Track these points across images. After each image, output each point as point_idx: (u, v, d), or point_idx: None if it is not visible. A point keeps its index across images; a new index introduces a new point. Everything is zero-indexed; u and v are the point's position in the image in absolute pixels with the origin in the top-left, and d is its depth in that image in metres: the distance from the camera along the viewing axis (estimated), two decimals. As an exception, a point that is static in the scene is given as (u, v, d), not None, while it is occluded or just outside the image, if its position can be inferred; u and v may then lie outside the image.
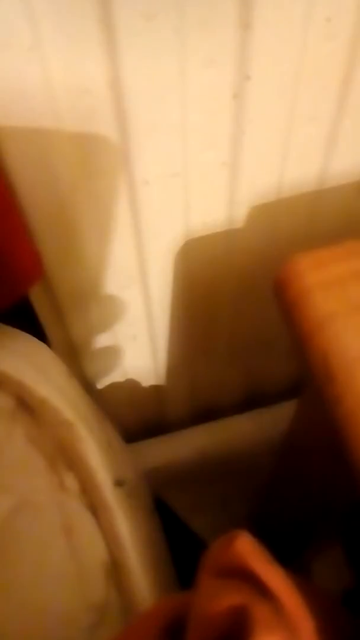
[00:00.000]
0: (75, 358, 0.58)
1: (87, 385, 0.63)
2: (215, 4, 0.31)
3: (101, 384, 0.64)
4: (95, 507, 0.38)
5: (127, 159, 0.38)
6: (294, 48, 0.35)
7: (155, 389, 0.68)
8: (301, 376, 0.36)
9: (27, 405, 0.40)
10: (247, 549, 0.25)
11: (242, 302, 0.57)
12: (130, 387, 0.66)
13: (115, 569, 0.36)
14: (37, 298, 0.48)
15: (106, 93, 0.34)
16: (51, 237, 0.43)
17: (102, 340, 0.56)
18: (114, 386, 0.64)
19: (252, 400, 0.77)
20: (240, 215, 0.46)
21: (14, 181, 0.37)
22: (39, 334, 0.50)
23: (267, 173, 0.43)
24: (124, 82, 0.34)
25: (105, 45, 0.31)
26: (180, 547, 0.50)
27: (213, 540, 0.27)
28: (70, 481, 0.38)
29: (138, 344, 0.58)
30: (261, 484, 0.58)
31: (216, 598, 0.24)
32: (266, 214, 0.47)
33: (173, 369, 0.65)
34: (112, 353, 0.59)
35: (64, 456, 0.39)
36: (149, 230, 0.45)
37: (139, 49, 0.32)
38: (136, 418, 0.73)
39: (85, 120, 0.35)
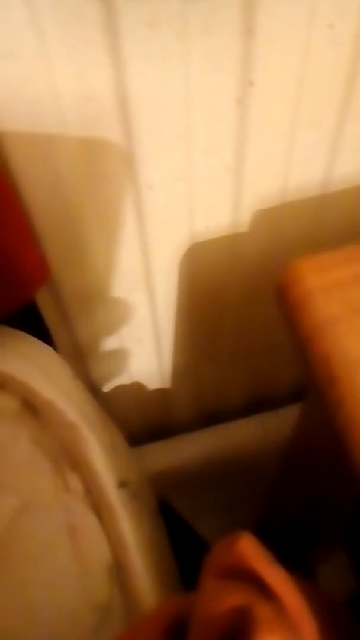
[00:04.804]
0: (81, 361, 0.58)
1: (93, 388, 0.63)
2: (218, 11, 0.31)
3: (107, 387, 0.64)
4: (99, 508, 0.38)
5: (132, 163, 0.39)
6: (297, 54, 0.35)
7: (161, 392, 0.68)
8: (305, 379, 0.36)
9: (32, 407, 0.41)
10: (250, 550, 0.25)
11: (246, 306, 0.57)
12: (136, 390, 0.66)
13: (118, 570, 0.36)
14: (44, 301, 0.48)
15: (111, 99, 0.34)
16: (57, 241, 0.43)
17: (108, 344, 0.57)
18: (119, 389, 0.65)
19: (257, 403, 0.77)
20: (244, 219, 0.46)
21: (21, 186, 0.38)
22: (45, 337, 0.50)
23: (271, 177, 0.44)
24: (129, 88, 0.34)
25: (110, 53, 0.32)
26: (185, 550, 0.50)
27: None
28: (75, 482, 0.38)
29: (143, 348, 0.59)
30: (266, 488, 0.58)
31: (219, 598, 0.24)
32: (270, 218, 0.47)
33: (178, 372, 0.65)
34: (117, 356, 0.59)
35: (68, 458, 0.39)
36: (154, 233, 0.45)
37: (143, 56, 0.33)
38: (142, 421, 0.73)
39: (91, 126, 0.36)
